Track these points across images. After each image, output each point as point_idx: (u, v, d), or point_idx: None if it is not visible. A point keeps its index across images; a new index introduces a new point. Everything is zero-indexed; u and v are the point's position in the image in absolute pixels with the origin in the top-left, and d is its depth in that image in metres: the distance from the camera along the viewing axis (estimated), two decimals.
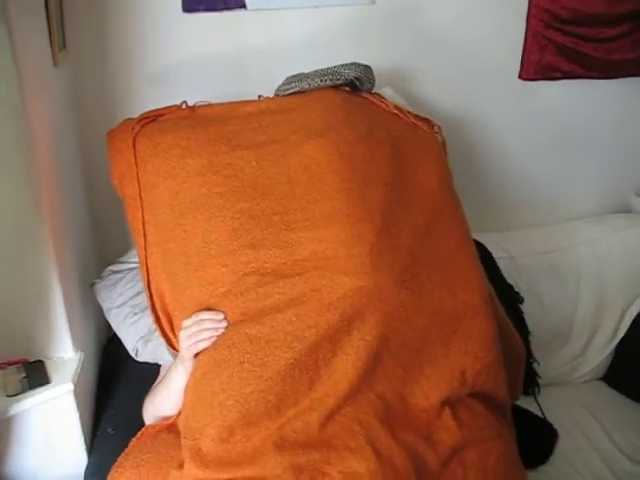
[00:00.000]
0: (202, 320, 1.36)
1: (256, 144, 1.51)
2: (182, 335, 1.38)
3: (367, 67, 1.69)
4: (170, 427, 1.45)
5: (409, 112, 1.71)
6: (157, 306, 1.52)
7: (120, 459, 1.39)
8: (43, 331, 1.53)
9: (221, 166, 1.47)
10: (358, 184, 1.44)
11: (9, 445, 1.49)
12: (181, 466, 1.30)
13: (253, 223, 1.41)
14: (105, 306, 1.77)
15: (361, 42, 2.00)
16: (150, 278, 1.53)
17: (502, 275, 2.01)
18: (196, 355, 1.38)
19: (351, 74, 1.63)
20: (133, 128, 1.58)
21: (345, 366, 1.32)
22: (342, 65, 1.64)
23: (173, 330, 1.50)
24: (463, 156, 2.10)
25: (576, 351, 2.15)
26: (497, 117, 2.17)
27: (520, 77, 2.11)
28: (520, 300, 2.05)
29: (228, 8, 1.89)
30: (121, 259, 1.88)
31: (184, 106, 1.65)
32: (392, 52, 2.02)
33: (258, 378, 1.29)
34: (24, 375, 1.49)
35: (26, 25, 1.43)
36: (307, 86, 1.61)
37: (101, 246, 2.03)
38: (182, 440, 1.32)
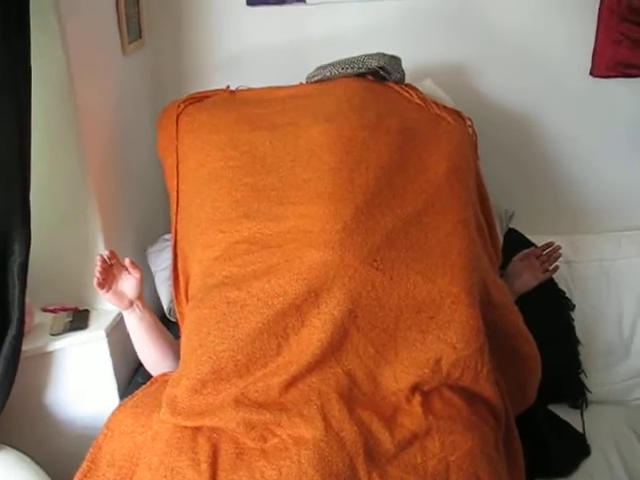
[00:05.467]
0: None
1: (274, 125, 1.61)
2: None
3: (393, 57, 1.71)
4: None
5: (435, 103, 1.70)
6: (179, 267, 1.66)
7: (126, 399, 1.52)
8: (92, 285, 1.71)
9: (240, 143, 1.59)
10: (350, 166, 1.48)
11: (48, 378, 1.71)
12: None
13: (253, 196, 1.51)
14: (152, 269, 1.94)
15: (420, 35, 1.98)
16: (177, 241, 1.68)
17: (553, 279, 1.92)
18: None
19: (374, 63, 1.67)
20: (179, 106, 1.76)
21: (311, 337, 1.37)
22: (366, 55, 1.68)
23: (187, 291, 1.64)
24: (531, 154, 2.02)
25: (633, 370, 1.97)
26: (565, 115, 2.05)
27: (591, 74, 1.98)
28: (570, 307, 1.95)
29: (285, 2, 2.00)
30: None
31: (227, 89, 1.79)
32: (453, 45, 1.99)
33: (230, 338, 1.37)
34: (70, 320, 1.72)
35: (82, 19, 1.63)
36: (329, 74, 1.68)
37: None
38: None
